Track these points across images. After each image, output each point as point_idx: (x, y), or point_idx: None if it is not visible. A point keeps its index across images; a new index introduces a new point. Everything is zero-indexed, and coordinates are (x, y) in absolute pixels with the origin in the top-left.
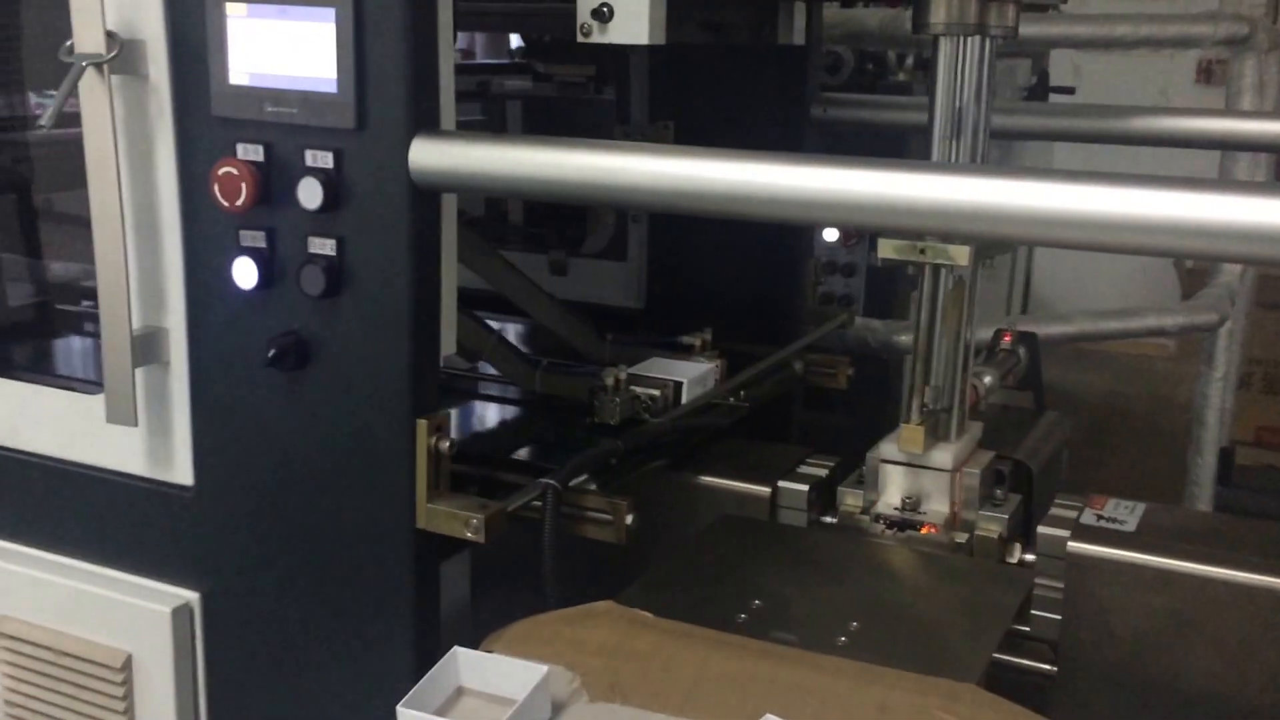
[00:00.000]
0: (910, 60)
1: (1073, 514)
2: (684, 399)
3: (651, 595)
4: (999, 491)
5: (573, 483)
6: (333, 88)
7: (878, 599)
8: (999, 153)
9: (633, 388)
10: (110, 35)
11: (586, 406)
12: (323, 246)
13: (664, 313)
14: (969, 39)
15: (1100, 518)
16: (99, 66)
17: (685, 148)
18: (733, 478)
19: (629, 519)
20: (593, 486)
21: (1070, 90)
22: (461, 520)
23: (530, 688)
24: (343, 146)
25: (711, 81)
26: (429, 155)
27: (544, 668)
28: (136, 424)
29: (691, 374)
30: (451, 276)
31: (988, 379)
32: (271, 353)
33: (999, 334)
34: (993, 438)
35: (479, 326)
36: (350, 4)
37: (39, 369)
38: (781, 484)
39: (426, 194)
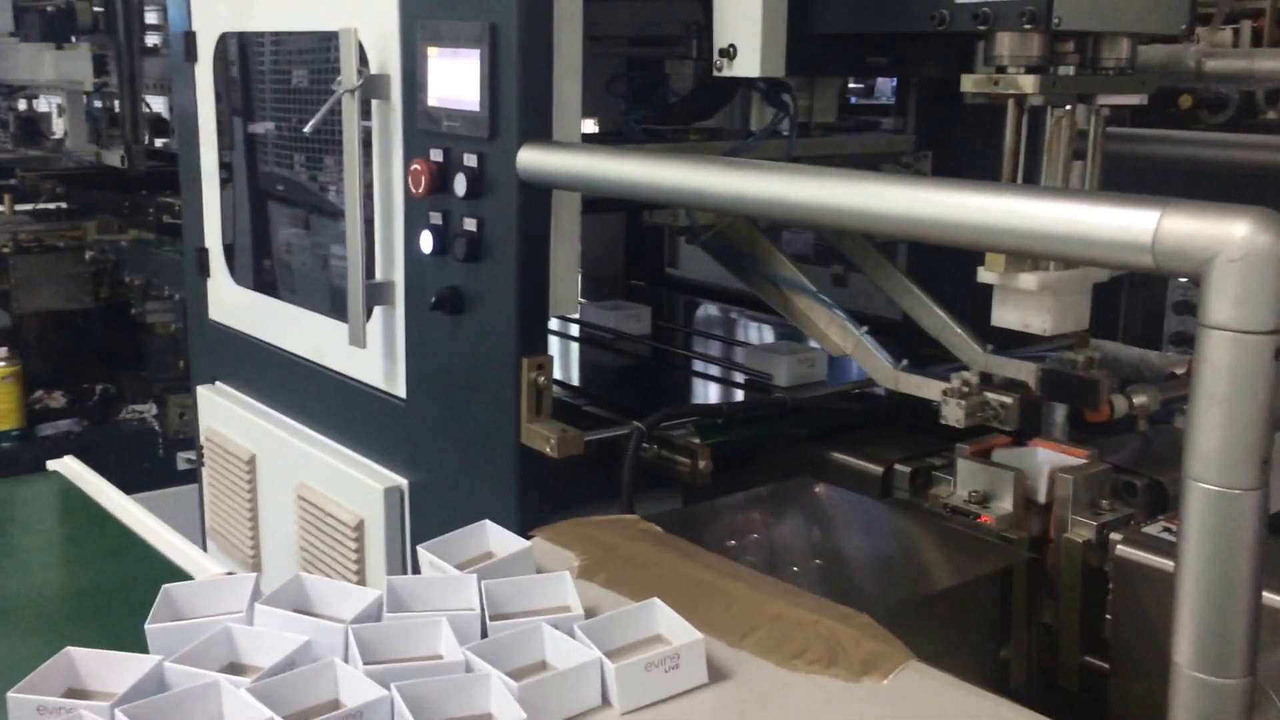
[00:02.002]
0: None
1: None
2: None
3: (679, 517)
4: (1104, 502)
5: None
6: (477, 107)
7: (857, 550)
8: None
9: (985, 393)
10: (360, 71)
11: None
12: (470, 225)
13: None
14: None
15: (1168, 530)
16: (351, 93)
17: (697, 157)
18: (857, 456)
19: (701, 464)
20: (696, 440)
21: None
22: (544, 439)
23: (510, 551)
24: (484, 151)
25: (969, 115)
26: (531, 159)
27: (528, 543)
28: (365, 346)
29: None
30: (570, 254)
31: (1140, 397)
32: (433, 299)
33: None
34: (1158, 457)
35: (844, 323)
36: (488, 47)
37: (333, 308)
38: (896, 466)
39: (531, 188)
